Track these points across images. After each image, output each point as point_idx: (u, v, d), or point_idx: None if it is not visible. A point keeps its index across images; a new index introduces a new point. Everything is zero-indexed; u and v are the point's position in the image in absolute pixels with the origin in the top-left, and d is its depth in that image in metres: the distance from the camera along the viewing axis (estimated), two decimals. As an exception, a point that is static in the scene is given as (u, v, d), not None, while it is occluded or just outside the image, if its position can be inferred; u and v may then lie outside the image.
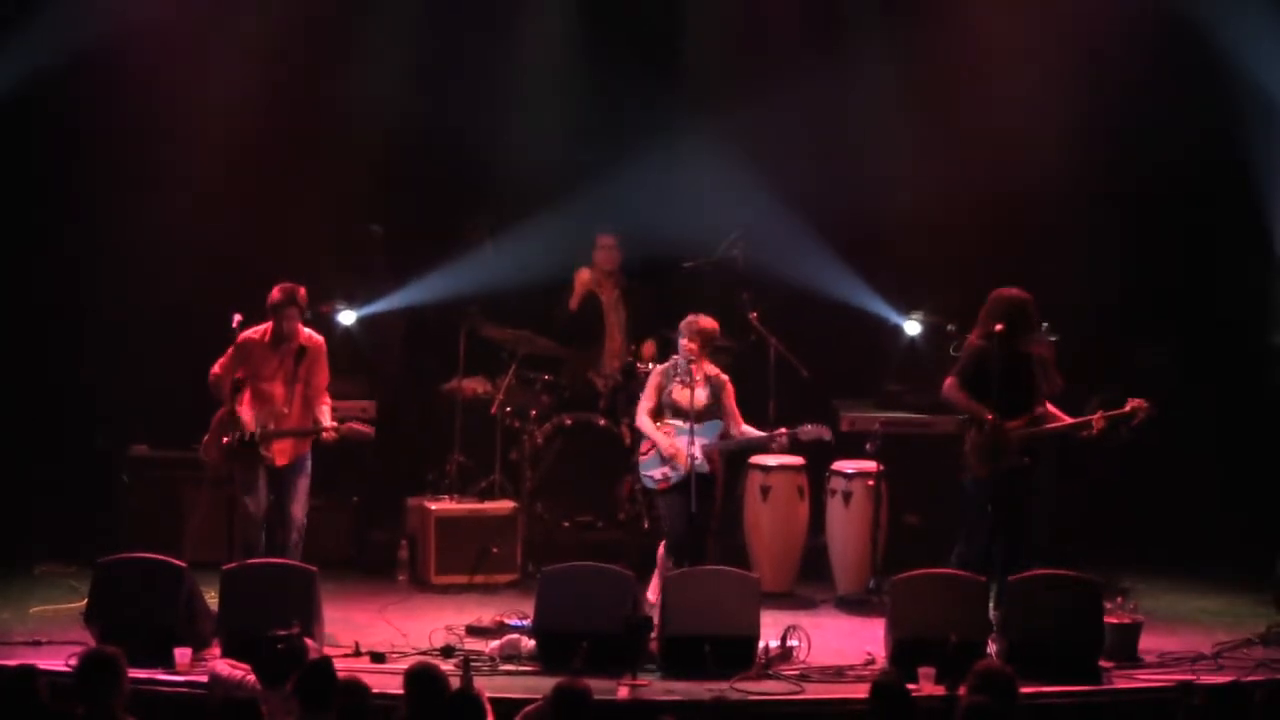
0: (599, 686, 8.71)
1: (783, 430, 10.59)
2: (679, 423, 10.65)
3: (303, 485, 10.64)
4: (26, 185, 12.53)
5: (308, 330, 10.70)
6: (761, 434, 10.68)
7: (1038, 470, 10.49)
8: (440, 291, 12.68)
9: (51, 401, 12.48)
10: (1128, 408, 10.30)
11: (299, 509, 10.62)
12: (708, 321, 10.66)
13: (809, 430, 10.59)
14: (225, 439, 10.45)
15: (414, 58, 12.95)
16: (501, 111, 13.02)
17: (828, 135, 12.82)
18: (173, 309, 12.06)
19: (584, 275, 12.86)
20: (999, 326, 10.39)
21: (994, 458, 10.25)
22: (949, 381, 10.55)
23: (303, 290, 10.57)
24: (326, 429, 10.53)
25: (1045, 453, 11.60)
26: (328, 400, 10.72)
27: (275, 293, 10.52)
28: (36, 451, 12.32)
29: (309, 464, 10.68)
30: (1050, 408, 10.46)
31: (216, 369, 10.58)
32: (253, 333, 10.60)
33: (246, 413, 10.47)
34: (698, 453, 10.52)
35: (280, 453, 10.53)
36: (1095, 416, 10.37)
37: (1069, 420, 10.44)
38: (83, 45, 12.24)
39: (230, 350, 10.56)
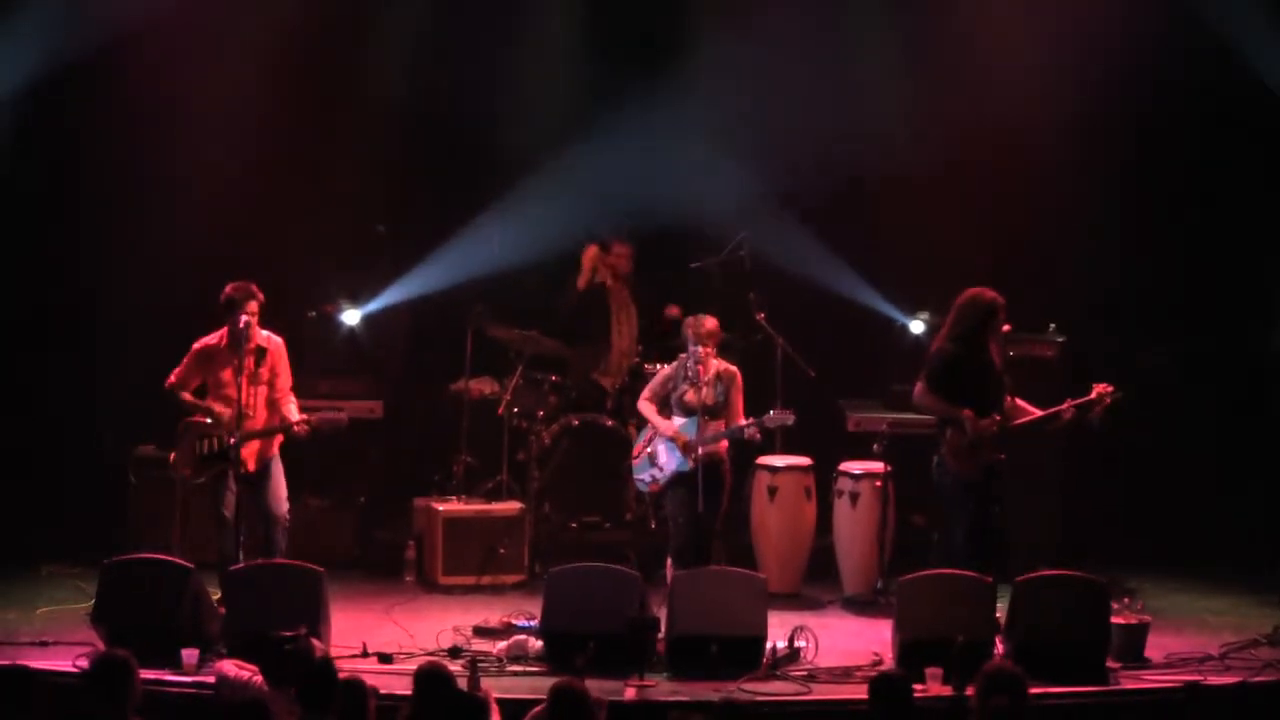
0: (606, 687, 8.76)
1: (751, 420, 10.60)
2: (680, 420, 10.71)
3: (277, 485, 10.52)
4: (30, 186, 12.54)
5: (265, 332, 10.53)
6: (734, 425, 10.68)
7: (1005, 466, 10.47)
8: (442, 279, 12.68)
9: (57, 402, 12.49)
10: (1094, 394, 10.29)
11: (280, 505, 10.52)
12: (711, 322, 10.68)
13: (773, 417, 10.64)
14: (198, 448, 10.39)
15: (417, 57, 12.97)
16: (505, 109, 13.03)
17: (832, 135, 12.82)
18: (178, 309, 12.03)
19: (591, 251, 12.81)
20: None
21: (971, 456, 10.25)
22: (919, 387, 10.47)
23: (254, 286, 10.37)
24: (298, 423, 10.42)
25: (1050, 453, 11.66)
26: (294, 399, 10.59)
27: (229, 289, 10.34)
28: (43, 452, 12.34)
29: (280, 464, 10.55)
30: (1020, 403, 10.46)
31: (173, 378, 10.51)
32: (209, 339, 10.50)
33: (214, 419, 10.42)
34: (677, 457, 10.61)
35: (249, 457, 10.41)
36: (1064, 406, 10.36)
37: (1039, 413, 10.43)
38: (88, 45, 12.27)
39: (186, 359, 10.51)
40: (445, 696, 7.48)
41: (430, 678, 7.57)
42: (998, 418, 10.25)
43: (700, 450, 10.54)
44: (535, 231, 12.83)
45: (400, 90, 13.01)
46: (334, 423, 10.56)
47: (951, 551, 10.20)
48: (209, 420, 10.40)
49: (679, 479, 10.68)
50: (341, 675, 7.60)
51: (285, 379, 10.57)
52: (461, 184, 13.16)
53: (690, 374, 10.66)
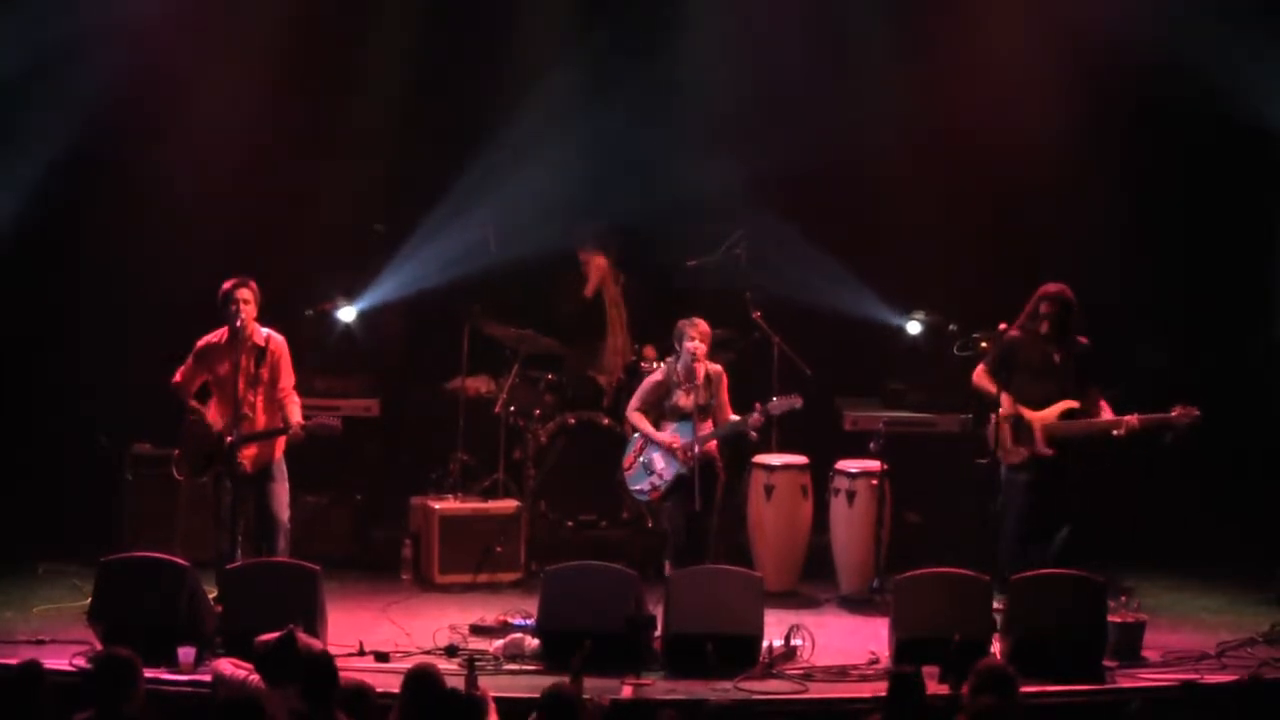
0: (602, 686, 8.76)
1: (756, 406, 10.63)
2: (672, 425, 10.82)
3: (280, 490, 10.51)
4: (28, 184, 12.53)
5: (266, 330, 10.52)
6: (737, 418, 10.71)
7: (1072, 465, 10.48)
8: (438, 279, 12.70)
9: (54, 399, 12.48)
10: (1173, 414, 10.34)
11: (282, 510, 10.51)
12: (705, 324, 10.76)
13: (778, 403, 10.68)
14: (198, 450, 10.39)
15: (417, 55, 12.97)
16: (503, 110, 13.03)
17: (829, 133, 12.83)
18: (176, 307, 12.02)
19: (600, 261, 12.86)
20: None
21: (1014, 444, 10.29)
22: (979, 369, 10.79)
23: (253, 282, 10.40)
24: (293, 427, 10.39)
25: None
26: (297, 399, 10.58)
27: (225, 284, 10.36)
28: (39, 450, 12.32)
29: (284, 468, 10.54)
30: (1103, 404, 10.53)
31: (178, 377, 10.51)
32: (211, 336, 10.50)
33: (214, 420, 10.42)
34: (675, 462, 10.68)
35: (247, 459, 10.39)
36: (1130, 418, 10.40)
37: (1103, 419, 10.47)
38: (87, 42, 12.26)
39: (189, 358, 10.50)
40: (434, 698, 7.47)
41: (418, 679, 7.55)
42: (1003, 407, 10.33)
43: (697, 449, 10.57)
44: (530, 228, 12.86)
45: (400, 89, 12.99)
46: (329, 428, 10.49)
47: (1013, 543, 10.30)
48: (205, 432, 10.42)
49: (678, 482, 10.75)
50: (345, 676, 7.61)
51: (288, 378, 10.55)
52: (463, 182, 13.16)
53: (683, 378, 10.69)
